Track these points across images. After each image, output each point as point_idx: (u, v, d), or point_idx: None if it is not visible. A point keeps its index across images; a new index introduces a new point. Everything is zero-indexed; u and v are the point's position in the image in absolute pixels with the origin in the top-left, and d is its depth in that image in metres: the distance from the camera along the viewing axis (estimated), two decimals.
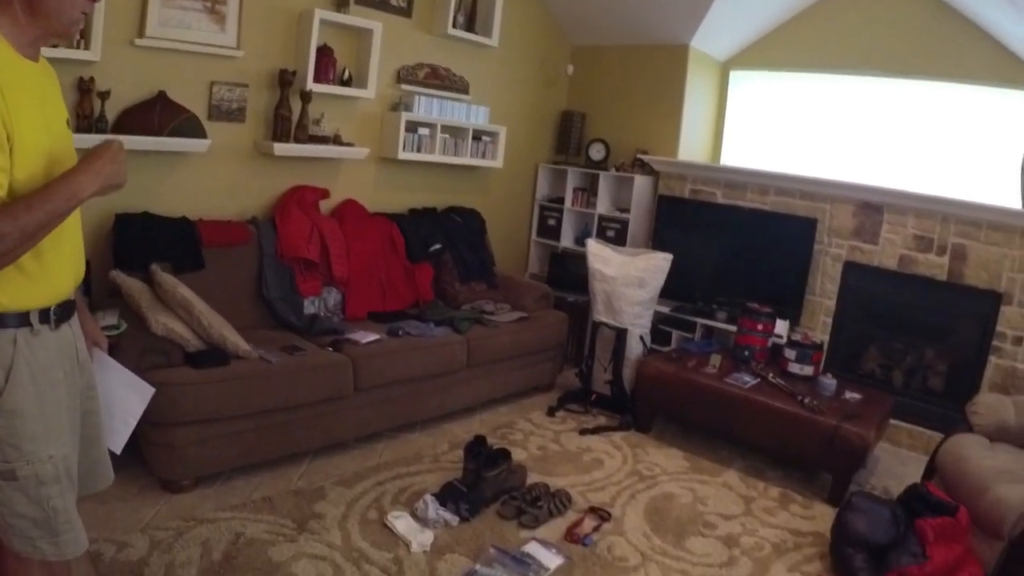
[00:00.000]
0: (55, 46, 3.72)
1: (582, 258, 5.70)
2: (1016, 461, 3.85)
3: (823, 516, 4.20)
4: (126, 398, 2.46)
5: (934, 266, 5.26)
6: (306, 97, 4.93)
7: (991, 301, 5.06)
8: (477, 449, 4.05)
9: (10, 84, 1.69)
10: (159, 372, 3.46)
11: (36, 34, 1.81)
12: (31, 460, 1.85)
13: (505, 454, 4.11)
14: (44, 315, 1.88)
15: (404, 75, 5.73)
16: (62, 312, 1.95)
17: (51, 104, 1.94)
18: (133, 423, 2.48)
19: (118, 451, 2.45)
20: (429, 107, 5.76)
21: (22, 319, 1.82)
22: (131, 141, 4.14)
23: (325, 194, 5.18)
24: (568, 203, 6.89)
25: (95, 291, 4.02)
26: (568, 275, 6.59)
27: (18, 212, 1.65)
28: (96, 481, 2.29)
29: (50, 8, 1.77)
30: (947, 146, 5.52)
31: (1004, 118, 5.33)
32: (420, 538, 3.48)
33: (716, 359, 5.10)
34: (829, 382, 4.79)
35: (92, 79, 4.06)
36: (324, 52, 5.06)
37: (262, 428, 3.90)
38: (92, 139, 4.04)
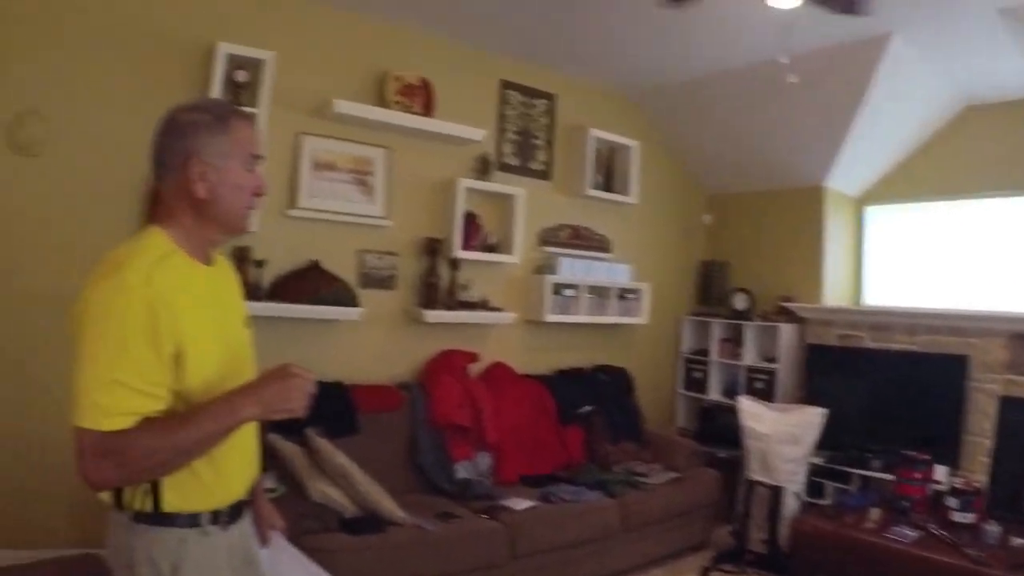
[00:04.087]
0: None
1: (730, 411, 5.60)
2: None
3: None
4: None
5: None
6: (454, 264, 5.04)
7: None
8: None
9: (182, 296, 1.70)
10: (315, 537, 3.47)
11: (208, 237, 1.85)
12: None
13: None
14: (214, 517, 1.82)
15: (547, 237, 5.83)
16: (233, 514, 1.89)
17: (227, 305, 1.95)
18: None
19: None
20: (573, 268, 5.82)
21: (192, 520, 1.76)
22: (286, 309, 4.33)
23: (475, 358, 5.19)
24: (714, 355, 6.75)
25: None
26: (717, 429, 6.36)
27: (174, 427, 1.63)
28: None
29: (217, 211, 1.80)
30: None
31: None
32: None
33: (875, 513, 4.86)
34: (993, 529, 4.49)
35: (248, 248, 4.23)
36: (470, 219, 5.19)
37: None
38: (249, 306, 4.17)
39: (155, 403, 1.63)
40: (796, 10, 3.47)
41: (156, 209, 1.83)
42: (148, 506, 1.70)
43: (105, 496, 1.72)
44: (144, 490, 1.69)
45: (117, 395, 1.58)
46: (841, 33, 4.76)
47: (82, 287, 1.62)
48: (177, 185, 1.77)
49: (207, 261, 1.87)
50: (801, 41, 4.42)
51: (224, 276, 1.98)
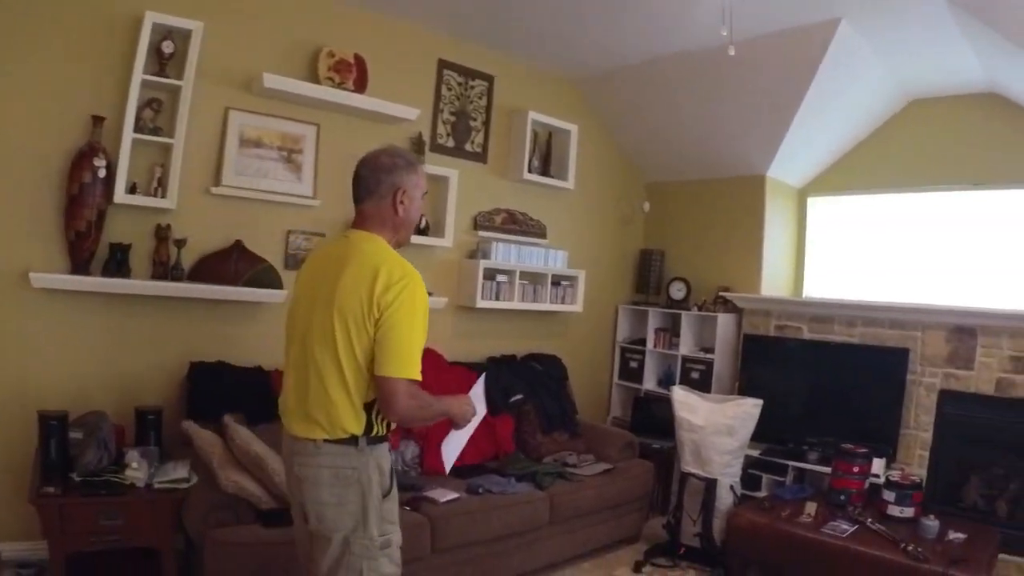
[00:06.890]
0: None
1: (666, 401, 5.52)
2: None
3: None
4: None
5: None
6: None
7: None
8: None
9: None
10: (228, 530, 3.34)
11: (394, 243, 2.62)
12: (397, 528, 2.67)
13: None
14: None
15: (481, 221, 5.72)
16: None
17: None
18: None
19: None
20: (507, 253, 5.72)
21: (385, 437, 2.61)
22: (207, 290, 4.21)
23: None
24: (650, 344, 6.69)
25: (168, 440, 3.89)
26: (652, 419, 6.34)
27: (438, 397, 2.64)
28: None
29: (403, 227, 2.64)
30: None
31: None
32: None
33: (811, 506, 4.80)
34: (931, 524, 4.45)
35: (169, 226, 4.12)
36: None
37: None
38: (168, 287, 4.03)
39: None
40: None
41: (365, 223, 2.59)
42: (382, 431, 2.54)
43: (349, 431, 2.45)
44: (381, 421, 2.51)
45: (419, 360, 2.44)
46: (789, 18, 4.70)
47: (389, 282, 2.37)
48: (384, 206, 2.58)
49: None
50: (747, 27, 4.33)
51: None
